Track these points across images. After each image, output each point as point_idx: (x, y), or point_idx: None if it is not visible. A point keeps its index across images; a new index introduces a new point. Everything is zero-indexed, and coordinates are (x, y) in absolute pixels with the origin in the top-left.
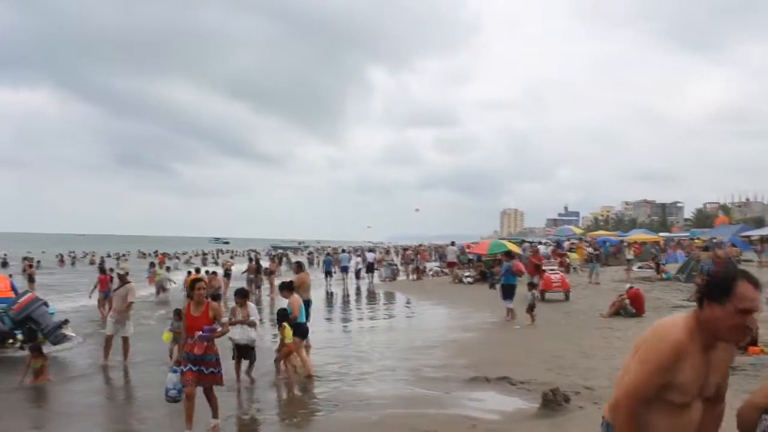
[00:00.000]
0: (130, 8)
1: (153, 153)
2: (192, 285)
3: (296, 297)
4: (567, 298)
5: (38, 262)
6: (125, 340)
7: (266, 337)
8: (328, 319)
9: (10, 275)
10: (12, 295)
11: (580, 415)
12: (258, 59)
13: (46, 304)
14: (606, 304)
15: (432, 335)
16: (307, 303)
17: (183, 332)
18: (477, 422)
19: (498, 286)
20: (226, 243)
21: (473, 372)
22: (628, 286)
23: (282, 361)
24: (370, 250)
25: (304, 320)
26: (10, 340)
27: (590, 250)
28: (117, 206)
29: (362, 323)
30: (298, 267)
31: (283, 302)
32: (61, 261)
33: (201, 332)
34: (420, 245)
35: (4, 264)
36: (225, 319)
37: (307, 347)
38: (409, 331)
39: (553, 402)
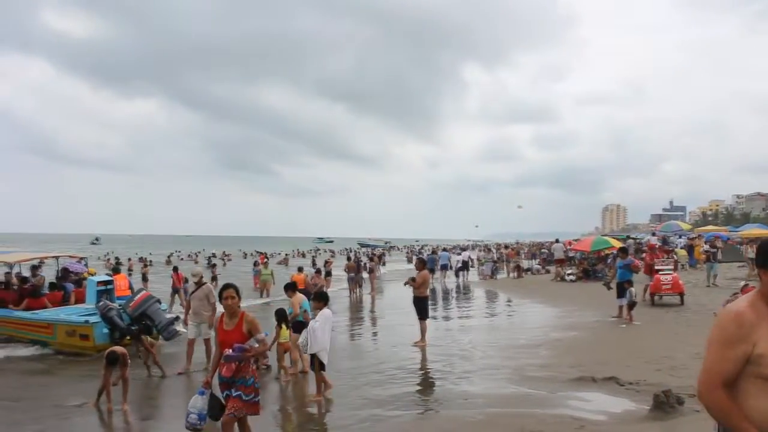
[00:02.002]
0: (230, 19)
1: (255, 156)
2: (220, 293)
3: (298, 296)
4: (682, 302)
5: (150, 261)
6: (206, 343)
7: (366, 335)
8: (432, 317)
9: (130, 273)
10: (129, 293)
11: (695, 418)
12: (353, 61)
13: (158, 301)
14: (719, 302)
15: (535, 334)
16: (425, 299)
17: (215, 347)
18: (585, 423)
19: (614, 284)
20: (330, 242)
21: (579, 372)
22: (742, 283)
23: (279, 361)
24: (465, 249)
25: (302, 319)
26: (128, 336)
27: (707, 247)
28: (221, 207)
29: (463, 321)
30: (422, 264)
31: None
32: (168, 261)
33: (230, 351)
34: (516, 242)
35: (118, 264)
36: (262, 335)
37: (422, 345)
38: (511, 330)
39: (665, 404)
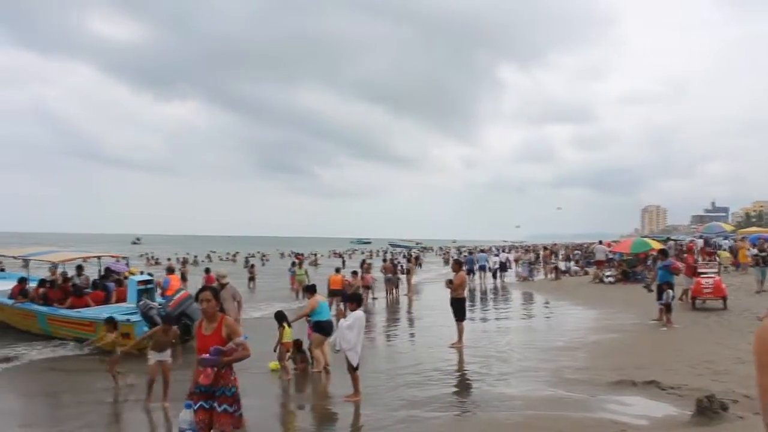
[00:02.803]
0: (269, 21)
1: (293, 157)
2: (196, 296)
3: (315, 298)
4: (725, 306)
5: (195, 256)
6: None
7: (403, 336)
8: (469, 319)
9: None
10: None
11: (740, 425)
12: (390, 62)
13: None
14: (765, 305)
15: (572, 336)
16: (462, 300)
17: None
18: (625, 427)
19: (655, 286)
20: (368, 243)
21: (618, 375)
22: None
23: (281, 360)
24: (503, 250)
25: (327, 318)
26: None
27: (755, 251)
28: (259, 208)
29: (500, 323)
30: (458, 265)
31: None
32: (209, 260)
33: (206, 355)
34: (554, 244)
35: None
36: (241, 339)
37: (459, 346)
38: (548, 332)
39: (708, 410)
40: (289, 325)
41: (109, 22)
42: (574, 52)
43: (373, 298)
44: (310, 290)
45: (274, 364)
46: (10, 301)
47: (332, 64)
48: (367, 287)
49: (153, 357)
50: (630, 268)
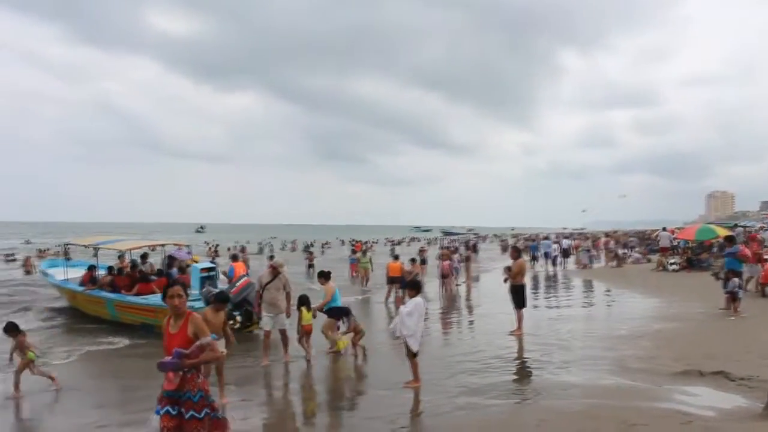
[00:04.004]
0: (325, 12)
1: (351, 146)
2: (165, 291)
3: (330, 285)
4: None
5: (259, 243)
6: (283, 333)
7: (461, 323)
8: (532, 306)
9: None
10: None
11: None
12: (447, 50)
13: None
14: None
15: (635, 324)
16: (522, 288)
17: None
18: (692, 418)
19: (722, 274)
20: (428, 231)
21: (684, 365)
22: None
23: (303, 340)
24: (566, 237)
25: (338, 304)
26: (231, 321)
27: None
28: (318, 197)
29: (561, 311)
30: (517, 253)
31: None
32: (270, 249)
33: (167, 358)
34: (614, 231)
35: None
36: (208, 339)
37: (518, 334)
38: (609, 320)
39: None
40: (309, 310)
41: (171, 17)
42: (637, 34)
43: (457, 285)
44: (325, 276)
45: (342, 342)
46: (81, 288)
47: (389, 53)
48: (444, 276)
49: None
50: (695, 255)
